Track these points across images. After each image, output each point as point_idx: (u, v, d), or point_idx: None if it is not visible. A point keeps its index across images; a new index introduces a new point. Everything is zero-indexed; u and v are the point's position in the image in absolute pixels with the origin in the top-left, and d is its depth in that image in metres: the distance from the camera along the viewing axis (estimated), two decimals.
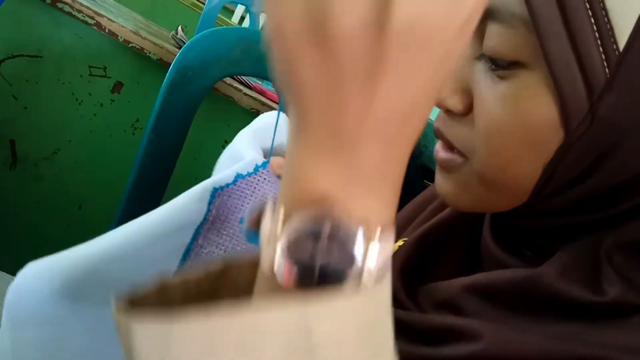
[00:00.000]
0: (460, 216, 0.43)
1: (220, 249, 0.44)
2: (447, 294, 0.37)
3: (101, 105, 1.06)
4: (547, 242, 0.36)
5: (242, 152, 0.43)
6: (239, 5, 2.56)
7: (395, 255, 0.43)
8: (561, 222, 0.34)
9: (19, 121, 1.03)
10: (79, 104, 1.04)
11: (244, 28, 0.82)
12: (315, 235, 0.21)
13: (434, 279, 0.40)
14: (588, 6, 0.29)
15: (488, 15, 0.32)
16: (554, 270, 0.32)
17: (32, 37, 0.98)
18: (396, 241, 0.45)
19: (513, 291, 0.33)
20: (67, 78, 1.02)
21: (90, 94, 1.04)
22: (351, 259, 0.21)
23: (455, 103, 0.35)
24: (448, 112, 0.36)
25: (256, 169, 0.41)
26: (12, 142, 1.04)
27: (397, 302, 0.39)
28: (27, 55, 0.98)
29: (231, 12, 2.72)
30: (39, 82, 1.01)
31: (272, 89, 1.10)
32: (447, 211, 0.45)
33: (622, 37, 0.29)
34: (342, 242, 0.21)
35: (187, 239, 0.43)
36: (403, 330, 0.34)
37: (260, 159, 0.41)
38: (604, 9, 0.29)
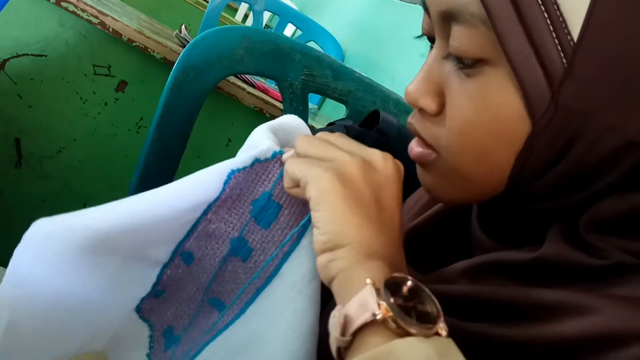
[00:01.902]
0: (450, 210, 0.45)
1: (228, 226, 0.45)
2: (454, 276, 0.38)
3: (105, 104, 1.06)
4: (530, 228, 0.38)
5: (259, 141, 0.44)
6: (242, 3, 2.57)
7: None
8: (540, 208, 0.36)
9: (23, 120, 1.04)
10: (84, 102, 1.05)
11: (247, 27, 0.83)
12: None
13: (426, 270, 0.42)
14: (540, 2, 0.30)
15: (451, 18, 0.34)
16: (559, 246, 0.34)
17: (36, 37, 0.98)
18: None
19: (532, 266, 0.35)
20: (71, 77, 1.03)
21: (94, 93, 1.05)
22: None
23: (429, 103, 0.37)
24: (421, 111, 0.38)
25: (274, 154, 0.42)
26: (17, 140, 1.05)
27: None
28: (32, 55, 0.99)
29: (234, 10, 2.73)
30: (43, 81, 1.01)
31: (275, 87, 1.10)
32: (436, 207, 0.47)
33: (575, 28, 0.30)
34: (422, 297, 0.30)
35: (198, 214, 0.44)
36: (473, 308, 0.36)
37: (277, 147, 0.42)
38: (555, 3, 0.30)
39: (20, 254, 0.39)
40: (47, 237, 0.39)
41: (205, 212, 0.44)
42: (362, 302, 0.29)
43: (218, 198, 0.44)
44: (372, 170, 0.36)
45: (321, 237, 0.34)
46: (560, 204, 0.35)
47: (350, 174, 0.35)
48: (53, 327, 0.44)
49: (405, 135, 0.72)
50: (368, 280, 0.30)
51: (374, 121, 0.74)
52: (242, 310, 0.45)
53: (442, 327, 0.28)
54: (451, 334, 0.29)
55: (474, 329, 0.34)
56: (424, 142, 0.39)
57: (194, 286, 0.48)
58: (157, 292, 0.48)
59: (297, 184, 0.37)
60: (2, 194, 1.08)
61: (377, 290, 0.29)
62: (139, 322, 0.49)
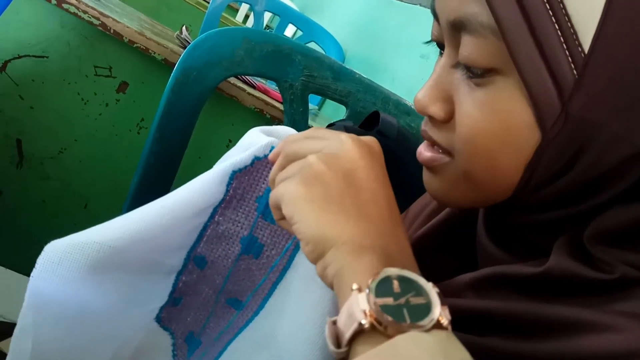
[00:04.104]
0: (455, 220, 0.45)
1: (237, 226, 0.45)
2: (460, 288, 0.38)
3: (106, 105, 1.07)
4: (536, 238, 0.37)
5: (255, 140, 0.44)
6: (242, 3, 2.57)
7: None
8: (546, 217, 0.36)
9: (25, 121, 1.04)
10: (85, 103, 1.05)
11: (248, 28, 0.83)
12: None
13: (432, 281, 0.42)
14: (551, 13, 0.30)
15: (461, 27, 0.34)
16: (565, 259, 0.33)
17: (38, 38, 0.98)
18: None
19: (538, 280, 0.34)
20: (72, 78, 1.03)
21: (95, 94, 1.05)
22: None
23: (437, 110, 0.37)
24: (431, 118, 0.38)
25: (272, 150, 0.42)
26: (19, 141, 1.05)
27: None
28: (33, 56, 0.99)
29: (235, 11, 2.73)
30: (45, 82, 1.02)
31: (276, 88, 1.10)
32: (441, 215, 0.46)
33: (586, 39, 0.30)
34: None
35: (205, 218, 0.44)
36: (482, 322, 0.35)
37: (276, 142, 0.43)
38: (567, 14, 0.30)
39: (37, 277, 0.40)
40: (61, 258, 0.39)
41: (212, 216, 0.44)
42: (349, 312, 0.28)
43: (223, 200, 0.44)
44: (334, 159, 0.34)
45: (307, 247, 0.33)
46: (567, 213, 0.35)
47: (313, 175, 0.33)
48: (77, 346, 0.44)
49: (405, 136, 0.73)
50: (354, 286, 0.29)
51: (374, 122, 0.74)
52: (261, 306, 0.45)
53: (441, 315, 0.27)
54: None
55: (481, 342, 0.33)
56: (438, 147, 0.38)
57: (210, 289, 0.48)
58: (175, 299, 0.48)
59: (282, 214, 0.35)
60: (3, 194, 1.08)
61: (367, 293, 0.28)
62: (160, 331, 0.50)
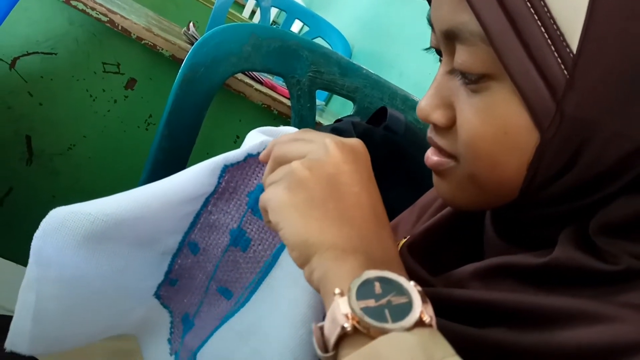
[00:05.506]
0: (462, 213, 0.46)
1: (227, 217, 0.47)
2: (464, 278, 0.39)
3: (115, 101, 1.07)
4: (542, 231, 0.38)
5: (252, 139, 0.45)
6: None
7: (401, 252, 0.44)
8: (551, 212, 0.37)
9: (34, 117, 1.05)
10: (93, 100, 1.06)
11: (255, 24, 0.83)
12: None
13: (438, 272, 0.42)
14: (536, 17, 0.31)
15: (453, 36, 0.35)
16: (570, 250, 0.33)
17: (46, 35, 0.99)
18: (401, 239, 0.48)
19: (543, 270, 0.34)
20: (81, 75, 1.03)
21: (104, 90, 1.06)
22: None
23: (439, 117, 0.38)
24: (435, 125, 0.39)
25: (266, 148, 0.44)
26: (28, 137, 1.06)
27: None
28: (42, 53, 1.00)
29: (242, 7, 2.73)
30: (53, 79, 1.02)
31: (283, 84, 1.10)
32: (448, 209, 0.47)
33: (574, 40, 0.30)
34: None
35: (198, 206, 0.46)
36: (485, 314, 0.35)
37: (269, 142, 0.44)
38: (552, 17, 0.30)
39: (39, 238, 0.41)
40: (60, 224, 0.41)
41: (205, 204, 0.46)
42: (332, 316, 0.29)
43: (215, 191, 0.46)
44: (318, 165, 0.35)
45: (293, 253, 0.33)
46: (572, 208, 0.35)
47: (297, 181, 0.34)
48: (78, 308, 0.46)
49: (413, 132, 0.72)
50: (336, 291, 0.29)
51: (381, 118, 0.74)
52: (247, 299, 0.47)
53: (423, 313, 0.28)
54: (462, 340, 0.28)
55: (485, 335, 0.34)
56: (444, 152, 0.39)
57: (203, 275, 0.51)
58: (172, 280, 0.50)
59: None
60: (13, 190, 1.09)
61: (347, 297, 0.28)
62: (160, 308, 0.52)
